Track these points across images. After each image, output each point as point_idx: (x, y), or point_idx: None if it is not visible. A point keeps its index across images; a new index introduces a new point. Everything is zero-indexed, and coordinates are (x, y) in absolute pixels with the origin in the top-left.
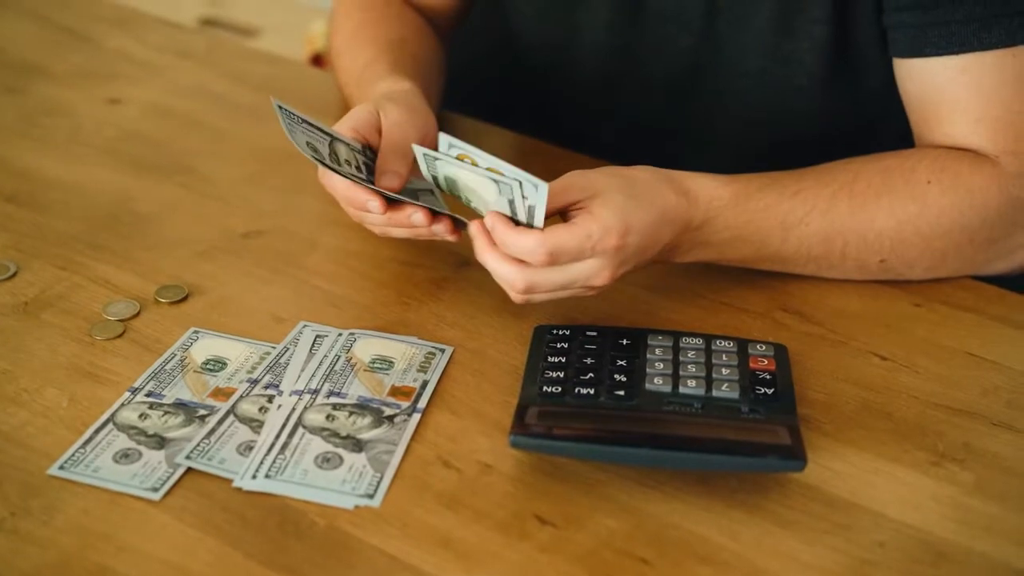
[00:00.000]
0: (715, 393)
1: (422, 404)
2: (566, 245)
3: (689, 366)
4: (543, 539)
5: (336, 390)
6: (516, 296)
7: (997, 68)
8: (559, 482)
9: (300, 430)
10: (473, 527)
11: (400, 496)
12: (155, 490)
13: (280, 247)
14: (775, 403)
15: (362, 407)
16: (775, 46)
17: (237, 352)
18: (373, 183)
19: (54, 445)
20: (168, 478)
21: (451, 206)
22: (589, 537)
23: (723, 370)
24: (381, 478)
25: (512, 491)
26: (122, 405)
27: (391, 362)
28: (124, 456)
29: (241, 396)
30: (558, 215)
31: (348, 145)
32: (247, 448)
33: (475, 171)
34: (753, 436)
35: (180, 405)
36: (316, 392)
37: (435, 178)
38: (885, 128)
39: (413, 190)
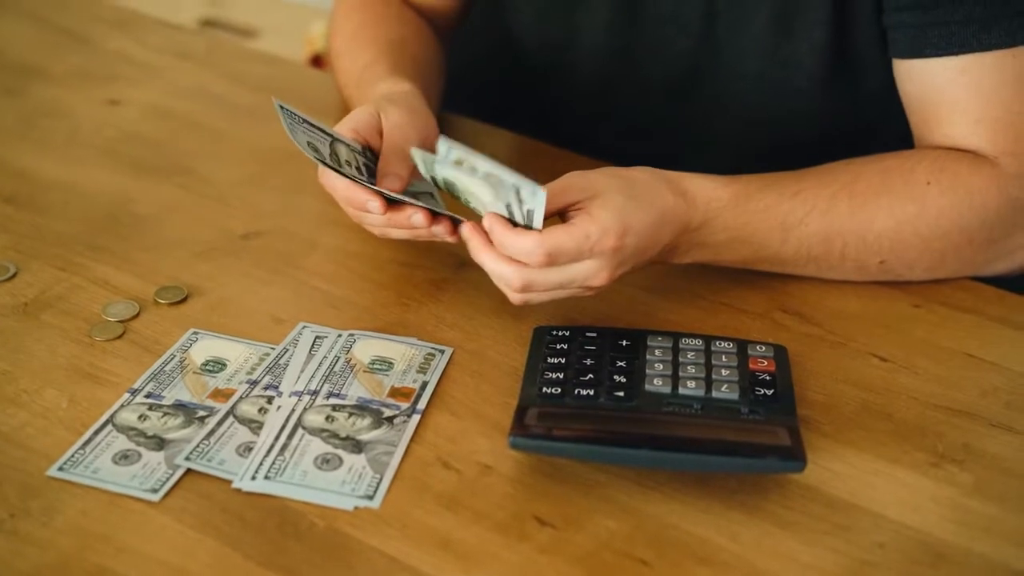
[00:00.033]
0: (715, 394)
1: (422, 405)
2: (564, 246)
3: (689, 367)
4: (543, 540)
5: (336, 391)
6: (514, 296)
7: (997, 69)
8: (559, 483)
9: (300, 431)
10: (473, 528)
11: (400, 497)
12: (154, 491)
13: (279, 248)
14: (775, 404)
15: (362, 408)
16: (774, 48)
17: (236, 353)
18: (373, 184)
19: (53, 446)
20: (167, 479)
21: (451, 207)
22: (589, 538)
23: (723, 371)
24: (381, 479)
25: (512, 492)
26: (121, 406)
27: (391, 363)
28: (123, 457)
29: (241, 397)
30: (557, 215)
31: (349, 146)
32: (246, 449)
33: (473, 176)
34: (753, 437)
35: (179, 406)
36: (315, 393)
37: (434, 180)
38: (885, 129)
39: (413, 192)
